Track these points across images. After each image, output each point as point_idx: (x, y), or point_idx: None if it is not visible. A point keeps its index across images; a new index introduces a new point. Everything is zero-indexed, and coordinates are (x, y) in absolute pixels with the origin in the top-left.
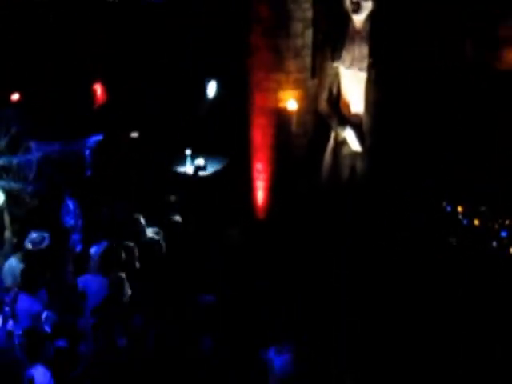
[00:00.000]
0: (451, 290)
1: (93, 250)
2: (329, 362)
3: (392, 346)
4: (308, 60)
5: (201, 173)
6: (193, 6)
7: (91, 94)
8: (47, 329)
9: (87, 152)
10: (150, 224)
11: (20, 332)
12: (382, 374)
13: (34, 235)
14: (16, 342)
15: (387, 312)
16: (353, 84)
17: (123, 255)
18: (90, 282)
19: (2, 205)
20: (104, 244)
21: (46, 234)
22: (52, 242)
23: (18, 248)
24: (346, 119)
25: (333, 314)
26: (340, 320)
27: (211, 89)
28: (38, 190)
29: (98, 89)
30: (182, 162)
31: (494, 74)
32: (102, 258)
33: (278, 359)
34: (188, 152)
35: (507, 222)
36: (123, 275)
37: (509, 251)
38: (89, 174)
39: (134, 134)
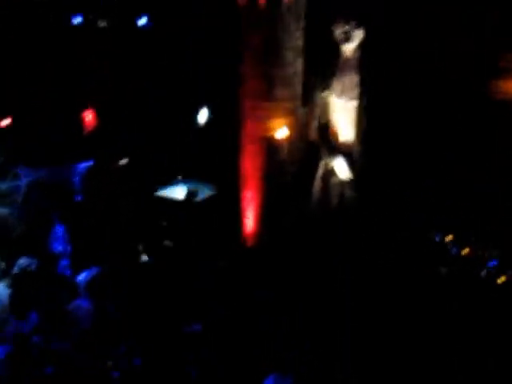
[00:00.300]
0: (441, 319)
1: (82, 276)
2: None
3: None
4: (299, 88)
5: (192, 199)
6: (185, 34)
7: (81, 120)
8: (34, 354)
9: (77, 178)
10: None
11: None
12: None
13: (22, 260)
14: None
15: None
16: (343, 113)
17: (113, 281)
18: (80, 308)
19: None
20: (94, 270)
21: (34, 260)
22: (40, 267)
23: (5, 274)
24: (336, 148)
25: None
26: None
27: (202, 116)
28: (27, 216)
29: (89, 115)
30: (173, 187)
31: (491, 104)
32: (91, 285)
33: None
34: (179, 178)
35: (495, 253)
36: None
37: (496, 281)
38: (78, 199)
39: (124, 161)
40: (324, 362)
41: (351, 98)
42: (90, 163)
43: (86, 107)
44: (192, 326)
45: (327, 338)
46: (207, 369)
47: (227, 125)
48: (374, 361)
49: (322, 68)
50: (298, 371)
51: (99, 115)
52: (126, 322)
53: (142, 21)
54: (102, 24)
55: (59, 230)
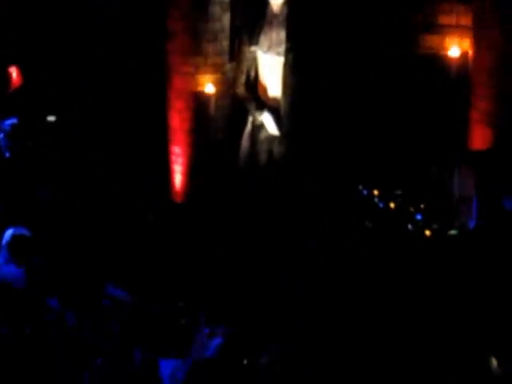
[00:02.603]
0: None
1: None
2: None
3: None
4: (226, 44)
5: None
6: None
7: (6, 77)
8: None
9: (1, 135)
10: None
11: None
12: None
13: None
14: None
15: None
16: (270, 68)
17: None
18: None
19: None
20: (11, 231)
21: None
22: None
23: None
24: (264, 103)
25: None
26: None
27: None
28: None
29: (14, 72)
30: None
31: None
32: (11, 246)
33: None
34: None
35: (422, 206)
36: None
37: (424, 234)
38: (5, 157)
39: (51, 118)
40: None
41: (278, 54)
42: (15, 120)
43: (10, 63)
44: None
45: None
46: None
47: (154, 81)
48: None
49: (250, 23)
50: None
51: (25, 71)
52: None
53: None
54: None
55: None
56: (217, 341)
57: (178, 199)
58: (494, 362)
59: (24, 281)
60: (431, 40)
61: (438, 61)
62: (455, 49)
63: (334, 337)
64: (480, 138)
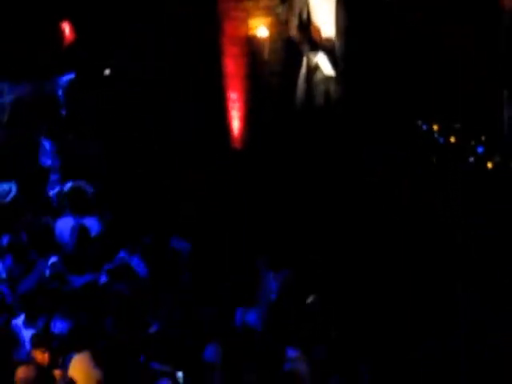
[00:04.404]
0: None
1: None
2: None
3: None
4: None
5: None
6: None
7: (60, 32)
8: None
9: (60, 92)
10: None
11: None
12: None
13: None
14: None
15: None
16: (323, 9)
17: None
18: (62, 226)
19: None
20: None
21: (13, 185)
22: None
23: None
24: (318, 44)
25: None
26: None
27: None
28: (14, 134)
29: (67, 27)
30: None
31: None
32: (70, 198)
33: None
34: None
35: (483, 138)
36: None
37: (486, 166)
38: (63, 113)
39: (107, 71)
40: None
41: None
42: (72, 75)
43: (64, 18)
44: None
45: None
46: None
47: (207, 28)
48: None
49: None
50: None
51: (77, 26)
52: None
53: None
54: None
55: (47, 145)
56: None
57: (237, 145)
58: None
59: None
60: None
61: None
62: None
63: None
64: None
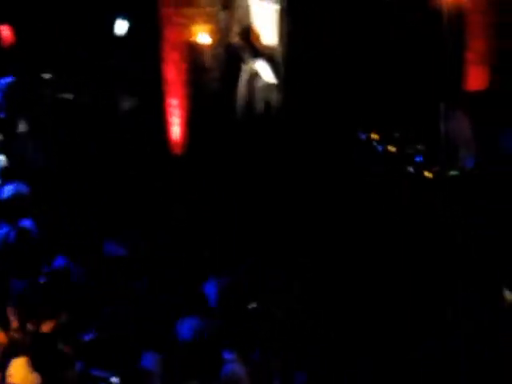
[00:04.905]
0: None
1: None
2: None
3: None
4: None
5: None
6: None
7: None
8: None
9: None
10: None
11: None
12: None
13: None
14: None
15: None
16: (264, 15)
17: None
18: None
19: None
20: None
21: None
22: None
23: None
24: (259, 51)
25: None
26: None
27: (121, 27)
28: None
29: (5, 30)
30: None
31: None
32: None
33: None
34: None
35: (422, 148)
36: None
37: (423, 175)
38: (2, 116)
39: (47, 76)
40: None
41: (272, 1)
42: (11, 79)
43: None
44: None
45: None
46: None
47: (147, 34)
48: None
49: None
50: None
51: (17, 29)
52: None
53: None
54: None
55: None
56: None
57: (177, 151)
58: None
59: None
60: None
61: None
62: None
63: None
64: (476, 79)
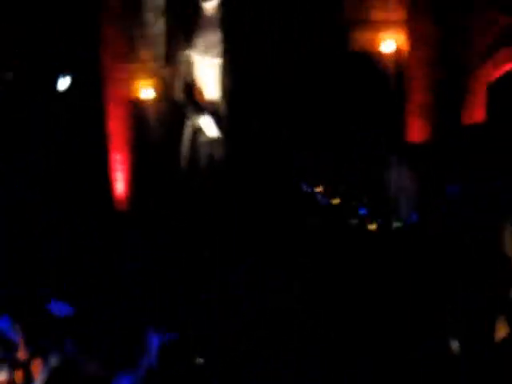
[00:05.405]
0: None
1: None
2: None
3: None
4: (162, 48)
5: None
6: None
7: None
8: None
9: None
10: None
11: None
12: None
13: None
14: None
15: None
16: (207, 71)
17: None
18: None
19: None
20: None
21: None
22: None
23: None
24: (202, 106)
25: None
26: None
27: (63, 83)
28: None
29: None
30: None
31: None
32: None
33: None
34: None
35: (365, 201)
36: None
37: (367, 228)
38: None
39: None
40: None
41: (215, 56)
42: None
43: None
44: None
45: None
46: None
47: (90, 89)
48: None
49: (185, 27)
50: None
51: None
52: None
53: None
54: None
55: None
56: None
57: (121, 207)
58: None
59: None
60: (364, 36)
61: (371, 56)
62: (389, 44)
63: None
64: (416, 130)
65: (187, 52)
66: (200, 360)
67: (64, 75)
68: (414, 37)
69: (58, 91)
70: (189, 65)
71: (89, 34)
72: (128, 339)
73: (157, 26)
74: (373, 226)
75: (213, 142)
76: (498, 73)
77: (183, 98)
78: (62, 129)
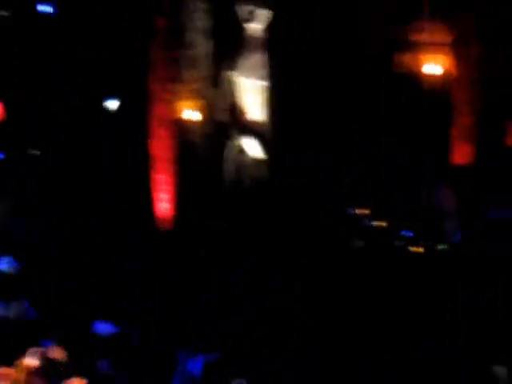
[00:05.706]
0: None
1: None
2: None
3: None
4: (207, 70)
5: None
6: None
7: None
8: None
9: None
10: None
11: None
12: None
13: None
14: None
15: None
16: (252, 93)
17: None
18: None
19: None
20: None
21: None
22: None
23: None
24: (246, 128)
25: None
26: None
27: (112, 104)
28: None
29: None
30: None
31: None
32: None
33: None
34: None
35: (410, 223)
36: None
37: (413, 250)
38: None
39: (36, 152)
40: None
41: (259, 78)
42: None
43: None
44: None
45: None
46: None
47: (137, 110)
48: None
49: (230, 48)
50: None
51: (8, 106)
52: None
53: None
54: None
55: None
56: (197, 367)
57: (164, 226)
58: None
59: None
60: (410, 58)
61: (417, 79)
62: (435, 66)
63: None
64: (462, 152)
65: (231, 73)
66: (242, 381)
67: (113, 97)
68: (460, 59)
69: (107, 112)
70: (233, 86)
71: (136, 57)
72: (159, 359)
73: (201, 47)
74: (418, 249)
75: (257, 163)
76: None
77: (227, 119)
78: (110, 149)
